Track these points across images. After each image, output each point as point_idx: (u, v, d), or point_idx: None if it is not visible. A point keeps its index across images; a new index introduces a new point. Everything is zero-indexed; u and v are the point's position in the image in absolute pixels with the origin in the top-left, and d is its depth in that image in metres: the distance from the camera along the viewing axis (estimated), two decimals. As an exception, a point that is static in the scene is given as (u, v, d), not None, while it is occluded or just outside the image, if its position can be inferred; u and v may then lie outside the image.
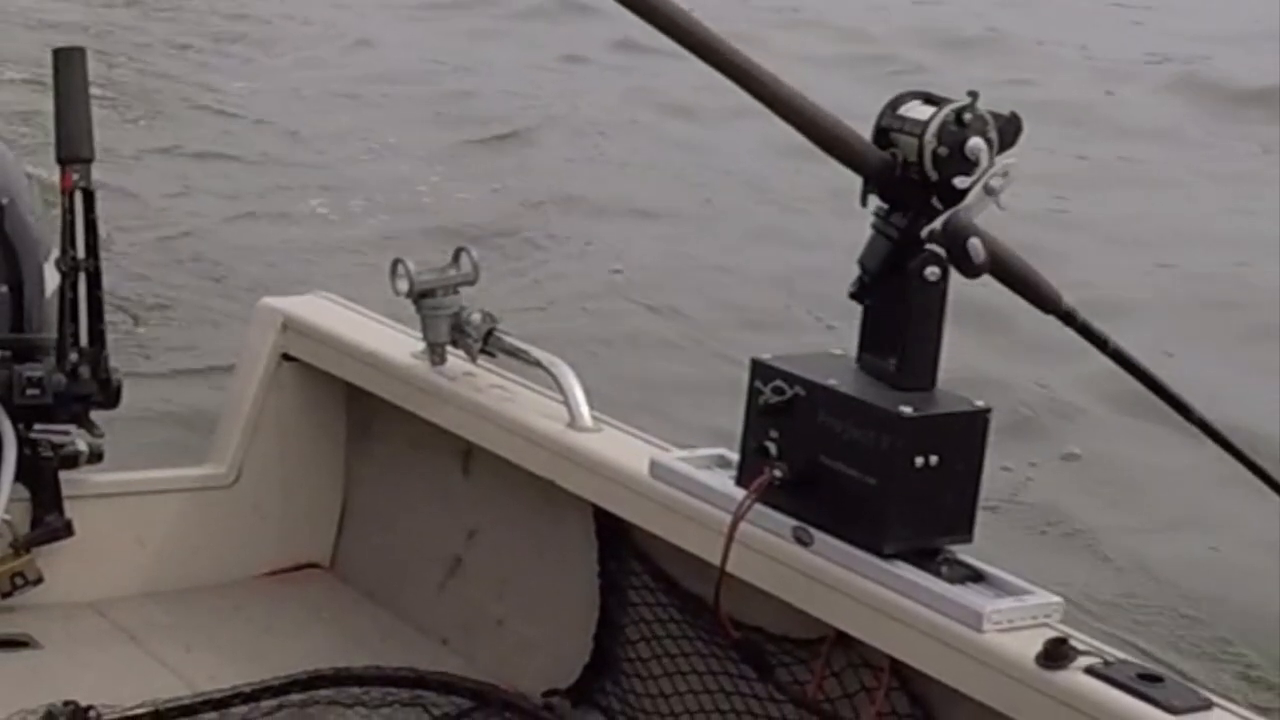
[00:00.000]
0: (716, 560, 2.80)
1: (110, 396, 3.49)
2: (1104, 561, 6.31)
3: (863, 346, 2.84)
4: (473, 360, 3.48)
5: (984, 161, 2.68)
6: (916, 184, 2.73)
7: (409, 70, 13.22)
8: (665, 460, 3.08)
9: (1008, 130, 2.73)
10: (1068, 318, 2.87)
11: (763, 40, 10.47)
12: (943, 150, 2.69)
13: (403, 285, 3.45)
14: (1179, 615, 5.99)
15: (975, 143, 2.68)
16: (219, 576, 3.75)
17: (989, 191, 2.66)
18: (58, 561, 3.53)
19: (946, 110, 2.70)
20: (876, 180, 2.77)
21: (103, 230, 3.47)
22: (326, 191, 10.06)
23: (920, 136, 2.70)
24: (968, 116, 2.69)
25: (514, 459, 3.34)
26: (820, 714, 2.92)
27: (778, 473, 2.78)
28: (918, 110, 2.74)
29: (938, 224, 2.67)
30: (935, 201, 2.71)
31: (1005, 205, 2.68)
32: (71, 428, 3.51)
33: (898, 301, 2.77)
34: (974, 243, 2.62)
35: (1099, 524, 6.58)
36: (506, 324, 3.47)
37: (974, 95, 2.72)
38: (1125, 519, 6.67)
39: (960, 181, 2.68)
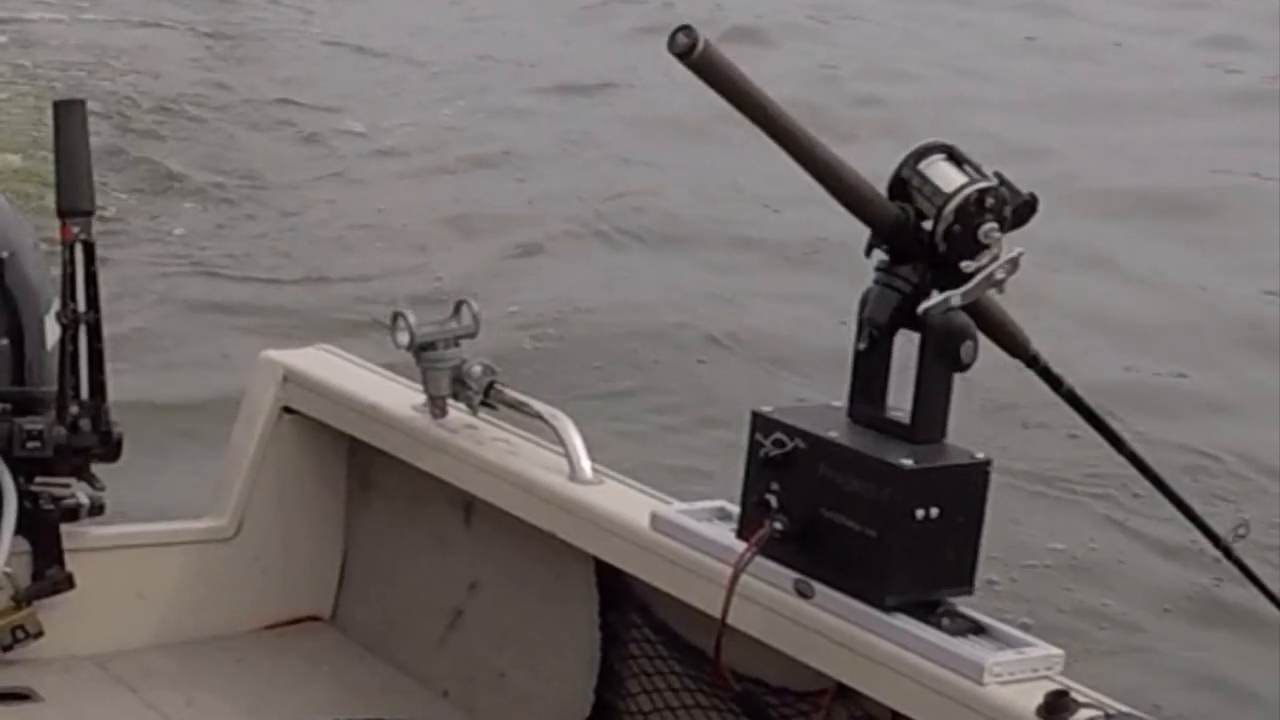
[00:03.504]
0: (717, 612, 2.79)
1: (111, 449, 3.49)
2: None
3: (854, 398, 2.84)
4: (474, 413, 3.48)
5: (994, 248, 2.69)
6: (924, 246, 2.73)
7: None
8: (666, 513, 3.08)
9: (1022, 211, 2.73)
10: (1033, 362, 2.91)
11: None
12: (957, 229, 2.69)
13: (403, 338, 3.45)
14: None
15: (990, 229, 2.69)
16: (220, 629, 3.75)
17: (993, 283, 2.69)
18: (59, 614, 3.53)
19: (971, 190, 2.69)
20: (885, 235, 2.76)
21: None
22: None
23: (940, 209, 2.70)
24: (990, 201, 2.69)
25: (515, 511, 3.34)
26: (821, 766, 2.91)
27: (778, 525, 2.78)
28: (940, 169, 2.73)
29: (937, 312, 2.69)
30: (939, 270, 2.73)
31: (1005, 291, 2.71)
32: (72, 480, 3.51)
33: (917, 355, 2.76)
34: (968, 347, 2.69)
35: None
36: (507, 376, 3.48)
37: (1000, 177, 2.72)
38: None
39: (966, 265, 2.69)
